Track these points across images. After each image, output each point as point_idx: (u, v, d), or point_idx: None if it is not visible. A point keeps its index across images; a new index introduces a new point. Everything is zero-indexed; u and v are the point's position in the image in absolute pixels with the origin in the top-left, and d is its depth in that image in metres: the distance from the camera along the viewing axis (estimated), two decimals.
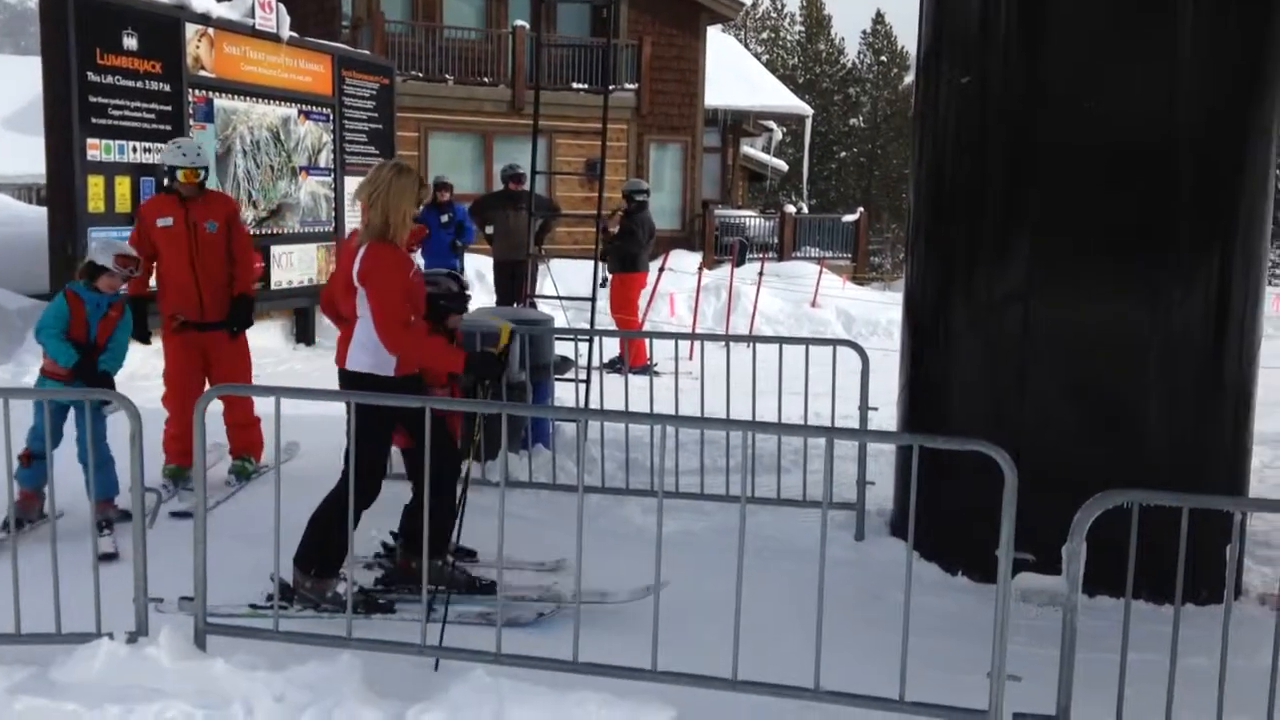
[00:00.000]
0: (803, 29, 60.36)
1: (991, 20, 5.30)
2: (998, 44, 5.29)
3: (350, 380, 4.40)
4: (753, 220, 25.34)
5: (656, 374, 8.63)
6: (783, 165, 33.88)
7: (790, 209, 26.32)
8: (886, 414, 6.16)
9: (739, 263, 17.31)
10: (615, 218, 11.60)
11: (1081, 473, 4.54)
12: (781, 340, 6.06)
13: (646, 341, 10.64)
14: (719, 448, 6.82)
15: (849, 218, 25.67)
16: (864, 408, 5.79)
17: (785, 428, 5.07)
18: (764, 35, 60.62)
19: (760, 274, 15.85)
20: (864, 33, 61.50)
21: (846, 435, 5.56)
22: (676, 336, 6.81)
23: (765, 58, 53.18)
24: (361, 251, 4.28)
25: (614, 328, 11.28)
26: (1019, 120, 5.23)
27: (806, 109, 28.85)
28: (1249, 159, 5.13)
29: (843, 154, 57.12)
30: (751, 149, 30.58)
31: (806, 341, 6.22)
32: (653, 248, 11.97)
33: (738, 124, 26.95)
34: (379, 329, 4.25)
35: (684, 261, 17.03)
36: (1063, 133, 5.13)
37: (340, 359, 4.46)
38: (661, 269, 13.44)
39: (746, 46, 45.03)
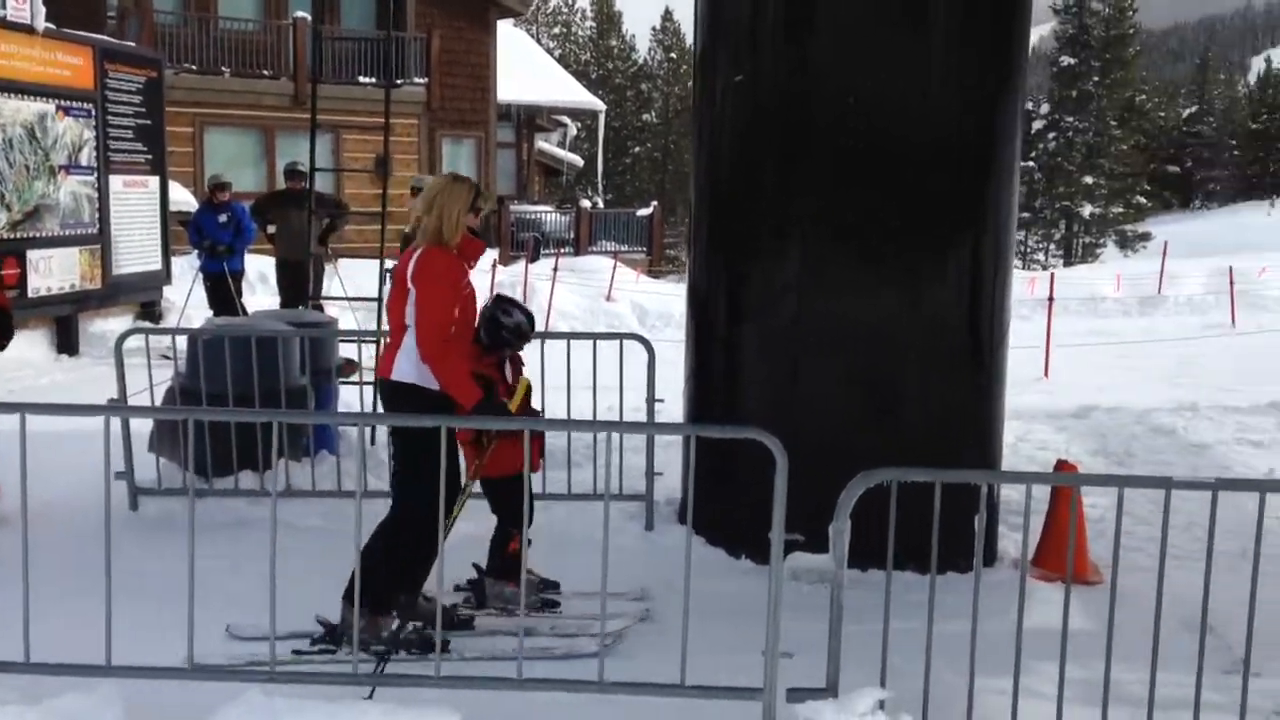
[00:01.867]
0: (594, 25, 60.78)
1: (761, 20, 5.47)
2: (767, 43, 5.47)
3: (393, 391, 4.27)
4: (549, 215, 25.38)
5: None
6: (578, 160, 34.06)
7: (586, 204, 26.51)
8: (676, 405, 6.29)
9: (533, 259, 17.31)
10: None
11: (854, 454, 4.73)
12: (569, 336, 6.11)
13: None
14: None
15: (644, 212, 26.07)
16: (650, 400, 5.90)
17: (573, 423, 5.10)
18: (556, 30, 60.73)
19: (555, 269, 15.89)
20: (654, 29, 62.53)
21: (631, 429, 5.69)
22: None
23: (558, 53, 53.30)
24: (418, 254, 4.26)
25: None
26: (789, 117, 5.42)
27: (600, 104, 29.11)
28: (996, 155, 5.48)
29: (637, 149, 57.91)
30: (546, 144, 30.61)
31: (594, 337, 6.28)
32: None
33: (532, 119, 26.93)
34: (419, 329, 4.16)
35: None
36: (829, 130, 5.34)
37: (384, 368, 4.32)
38: None
39: (539, 41, 44.97)
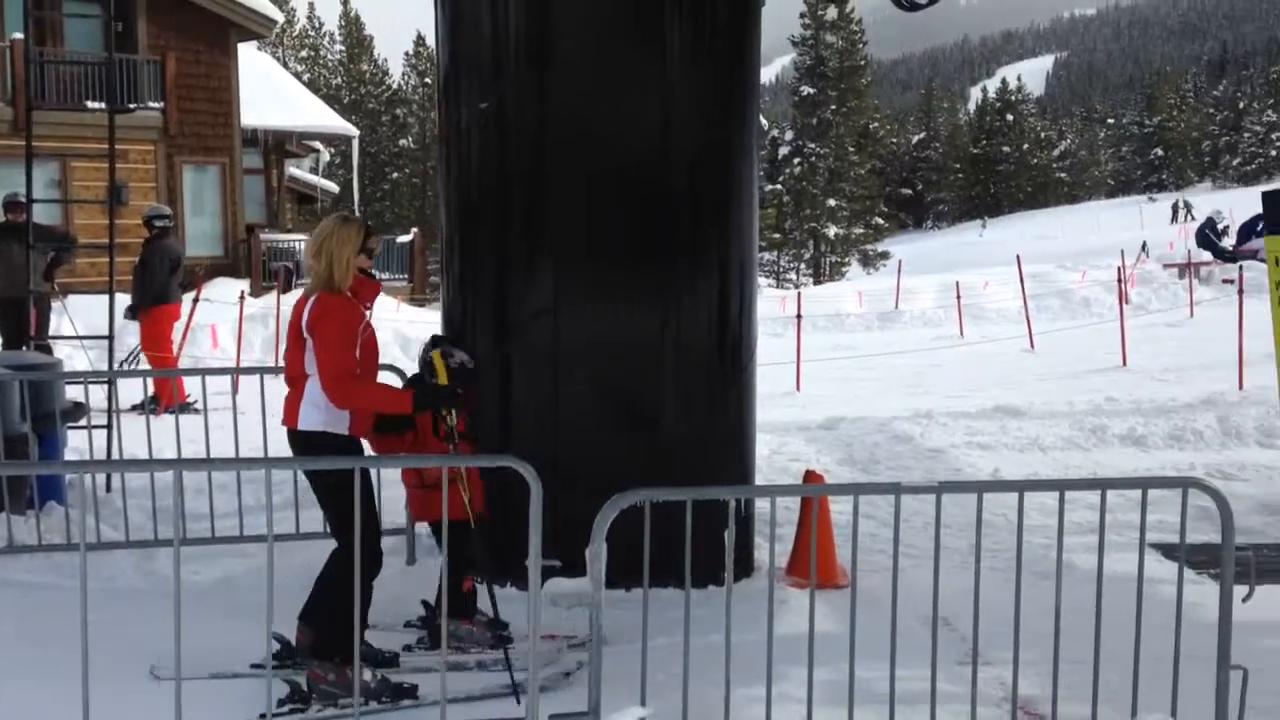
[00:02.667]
0: (343, 49, 59.40)
1: (503, 48, 5.48)
2: (510, 71, 5.48)
3: (302, 441, 4.19)
4: (303, 244, 24.51)
5: (196, 411, 8.08)
6: (333, 187, 33.15)
7: None
8: None
9: (286, 289, 16.67)
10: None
11: (615, 475, 4.78)
12: None
13: (184, 378, 9.93)
14: (263, 486, 6.49)
15: (404, 239, 25.59)
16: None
17: (327, 460, 4.90)
18: (304, 54, 58.99)
19: None
20: (407, 54, 61.75)
21: (387, 463, 5.53)
22: (204, 372, 6.40)
23: (306, 77, 51.77)
24: (310, 301, 4.19)
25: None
26: (535, 143, 5.45)
27: (352, 130, 28.39)
28: (735, 176, 5.70)
29: (395, 175, 56.93)
30: (298, 170, 29.62)
31: None
32: (182, 276, 11.19)
33: (281, 144, 25.97)
34: (323, 379, 4.09)
35: (225, 290, 16.10)
36: (575, 155, 5.41)
37: (290, 419, 4.24)
38: (196, 299, 12.61)
39: (285, 65, 43.54)
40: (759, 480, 6.99)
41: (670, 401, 5.52)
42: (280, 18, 27.73)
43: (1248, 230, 23.36)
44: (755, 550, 5.85)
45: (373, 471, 4.36)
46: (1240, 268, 16.50)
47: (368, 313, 4.32)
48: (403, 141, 57.60)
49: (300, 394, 4.21)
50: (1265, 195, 3.63)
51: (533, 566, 3.46)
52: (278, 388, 6.45)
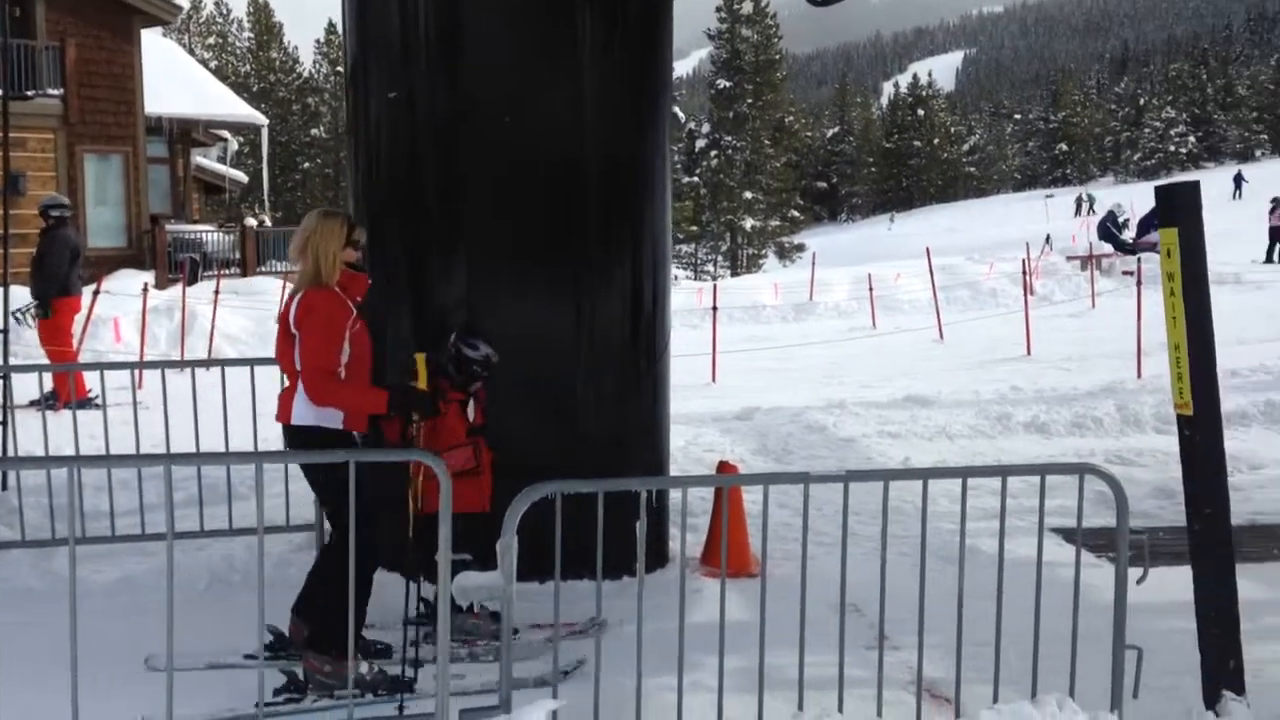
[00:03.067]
0: (252, 36, 58.12)
1: (412, 37, 5.41)
2: (420, 60, 5.41)
3: (295, 436, 4.19)
4: (211, 235, 23.95)
5: (96, 407, 7.84)
6: (242, 177, 32.43)
7: (252, 222, 25.26)
8: None
9: (191, 281, 16.29)
10: None
11: (529, 468, 4.78)
12: (223, 363, 5.76)
13: (85, 372, 9.64)
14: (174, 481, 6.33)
15: None
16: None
17: (232, 456, 4.82)
18: (211, 41, 57.59)
19: (217, 292, 15.02)
20: (318, 42, 60.68)
21: (297, 458, 5.43)
22: (104, 366, 6.21)
23: (214, 64, 50.57)
24: (298, 298, 4.17)
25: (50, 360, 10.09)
26: (448, 135, 5.39)
27: (261, 118, 27.80)
28: (648, 168, 5.70)
29: (307, 164, 55.94)
30: (205, 159, 28.92)
31: (250, 362, 5.96)
32: (82, 268, 10.84)
33: (187, 133, 25.34)
34: (304, 376, 4.10)
35: (128, 282, 15.67)
36: (489, 147, 5.36)
37: (283, 414, 4.23)
38: (97, 291, 12.24)
39: (192, 52, 42.48)
40: (675, 471, 7.04)
41: (584, 394, 5.51)
42: (185, 3, 27.05)
43: (1147, 223, 24.15)
44: (669, 540, 5.88)
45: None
46: (1139, 260, 17.04)
47: (354, 305, 4.30)
48: (314, 131, 56.59)
49: (294, 389, 4.20)
50: (1159, 189, 3.75)
51: (442, 561, 3.43)
52: (181, 382, 6.32)
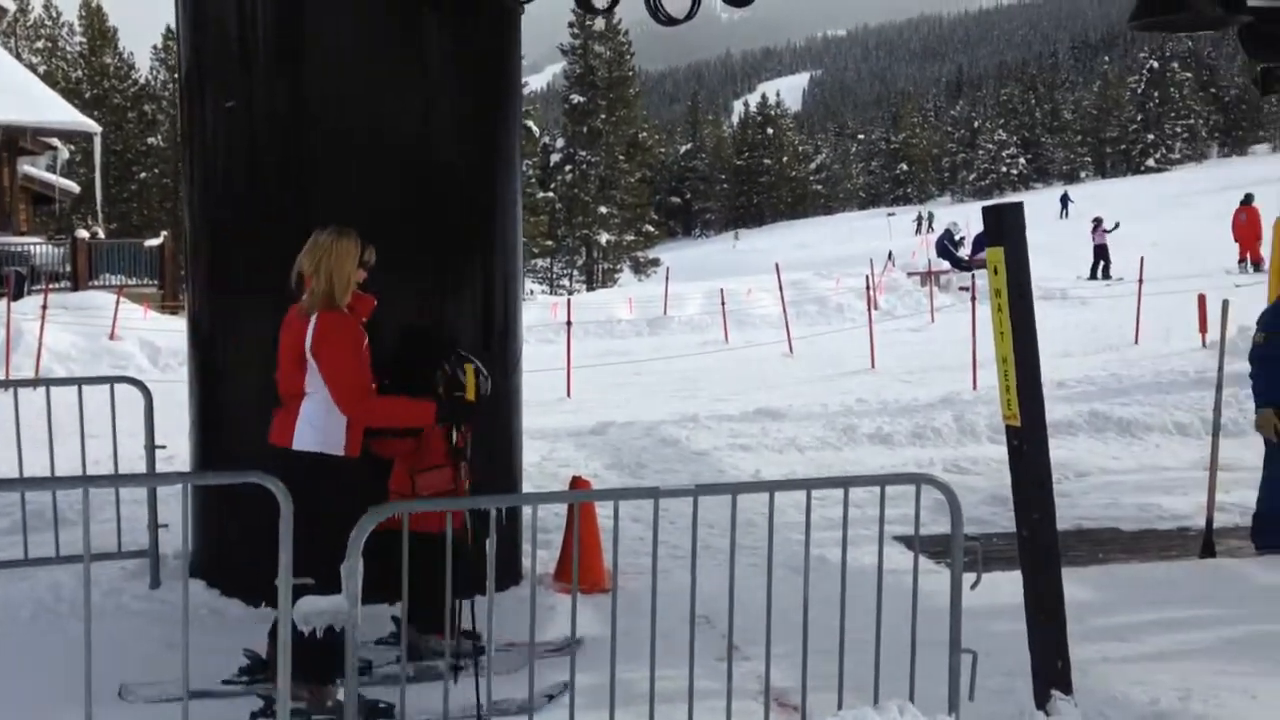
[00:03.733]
0: (84, 40, 55.56)
1: (250, 44, 5.25)
2: (259, 68, 5.26)
3: (295, 461, 4.01)
4: (39, 247, 22.73)
5: None
6: (73, 186, 30.89)
7: (84, 234, 24.09)
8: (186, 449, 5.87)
9: (17, 295, 15.44)
10: None
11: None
12: (47, 383, 5.48)
13: None
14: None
15: (153, 242, 24.18)
16: (150, 448, 5.44)
17: (58, 480, 4.58)
18: (39, 45, 54.82)
19: (45, 307, 14.26)
20: (155, 48, 58.49)
21: (130, 482, 5.22)
22: None
23: (43, 69, 48.14)
24: (313, 321, 4.04)
25: None
26: (288, 142, 5.25)
27: (94, 126, 26.51)
28: (498, 183, 5.66)
29: (144, 174, 53.75)
30: (33, 169, 27.44)
31: (79, 381, 5.68)
32: None
33: (13, 141, 24.03)
34: (342, 400, 4.02)
35: None
36: (332, 157, 5.24)
37: (281, 437, 4.08)
38: None
39: (19, 56, 40.35)
40: (528, 487, 6.99)
41: None
42: (12, 5, 25.68)
43: (981, 241, 25.23)
44: (523, 558, 5.83)
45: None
46: (974, 276, 17.82)
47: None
48: (151, 139, 54.38)
49: (295, 413, 4.08)
50: (985, 210, 3.92)
51: (282, 585, 3.32)
52: (4, 402, 5.97)
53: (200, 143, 5.53)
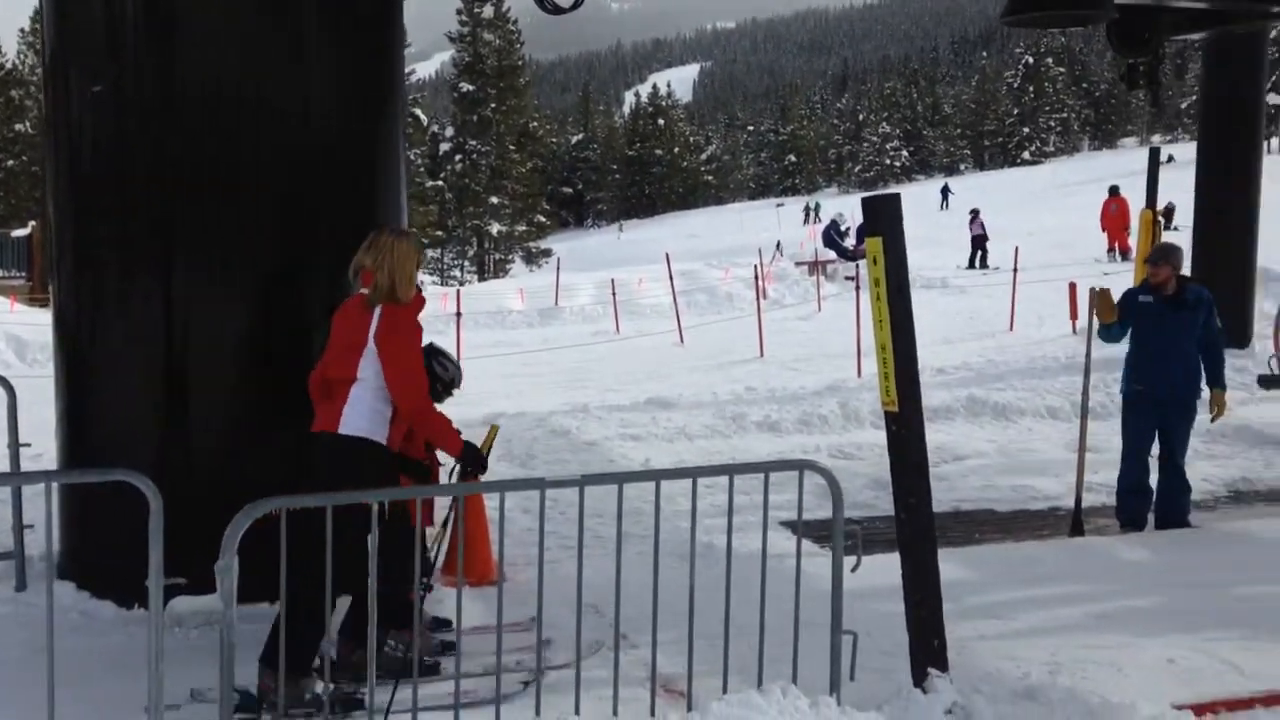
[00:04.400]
0: None
1: (118, 28, 5.06)
2: (127, 53, 5.07)
3: (343, 445, 4.10)
4: None
5: None
6: None
7: None
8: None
9: None
10: None
11: (256, 484, 4.56)
12: None
13: None
14: None
15: (20, 232, 23.17)
16: (14, 446, 5.22)
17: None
18: None
19: None
20: (22, 31, 56.02)
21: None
22: None
23: None
24: (378, 312, 4.15)
25: None
26: (158, 131, 5.08)
27: None
28: (382, 170, 5.56)
29: (11, 162, 51.47)
30: None
31: None
32: None
33: None
34: (404, 390, 4.12)
35: None
36: (205, 143, 5.08)
37: (329, 423, 4.14)
38: None
39: None
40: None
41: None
42: None
43: (864, 232, 25.74)
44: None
45: None
46: (858, 266, 18.18)
47: None
48: (19, 126, 52.05)
49: (344, 398, 4.14)
50: (865, 201, 4.00)
51: (153, 586, 3.22)
52: None
53: (65, 128, 5.31)
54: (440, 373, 4.87)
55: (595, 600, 4.69)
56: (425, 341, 4.52)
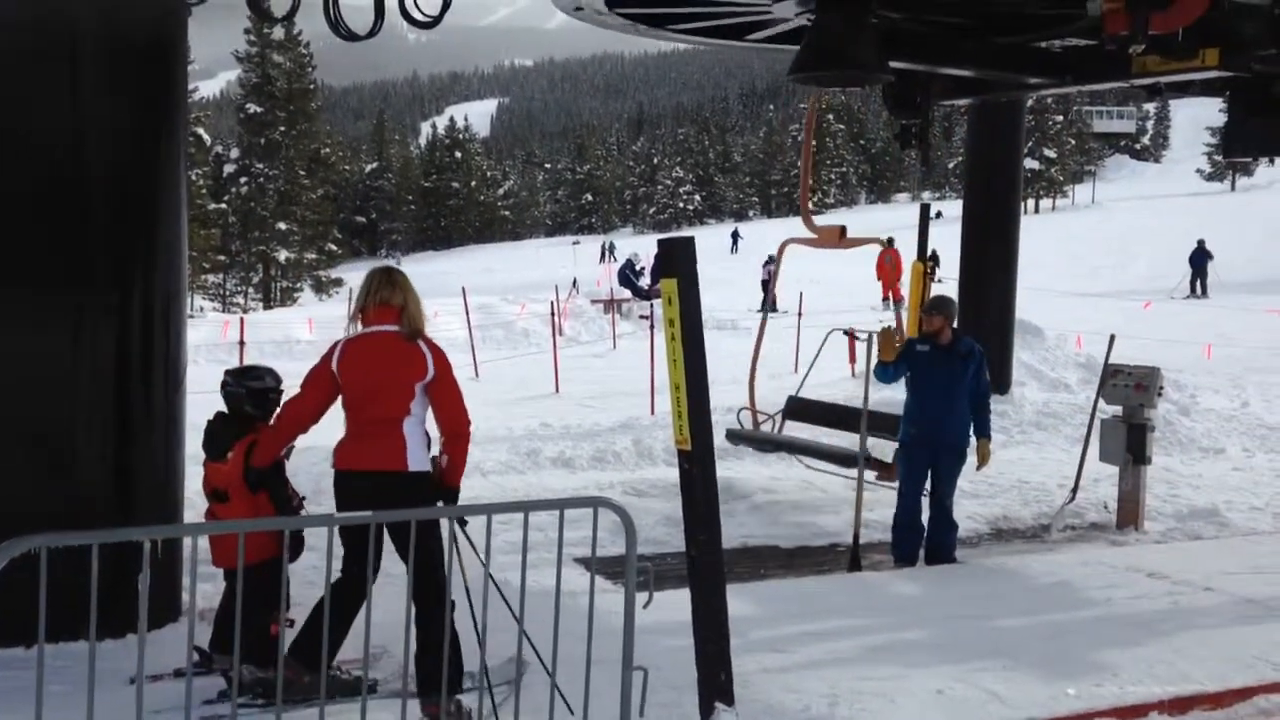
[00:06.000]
0: None
1: None
2: None
3: (412, 480, 4.29)
4: None
5: None
6: None
7: None
8: None
9: None
10: None
11: (23, 516, 4.27)
12: None
13: None
14: None
15: None
16: None
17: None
18: None
19: None
20: None
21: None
22: None
23: None
24: (427, 346, 4.36)
25: None
26: None
27: None
28: (159, 192, 5.30)
29: None
30: None
31: None
32: None
33: None
34: (456, 416, 4.36)
35: None
36: None
37: (393, 461, 4.27)
38: None
39: None
40: (193, 517, 6.56)
41: (85, 436, 5.03)
42: None
43: (658, 272, 26.33)
44: (183, 592, 5.46)
45: None
46: (652, 305, 18.55)
47: None
48: None
49: (398, 436, 4.26)
50: (660, 243, 4.11)
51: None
52: None
53: None
54: (260, 385, 4.83)
55: (383, 640, 4.58)
56: (233, 367, 4.73)
